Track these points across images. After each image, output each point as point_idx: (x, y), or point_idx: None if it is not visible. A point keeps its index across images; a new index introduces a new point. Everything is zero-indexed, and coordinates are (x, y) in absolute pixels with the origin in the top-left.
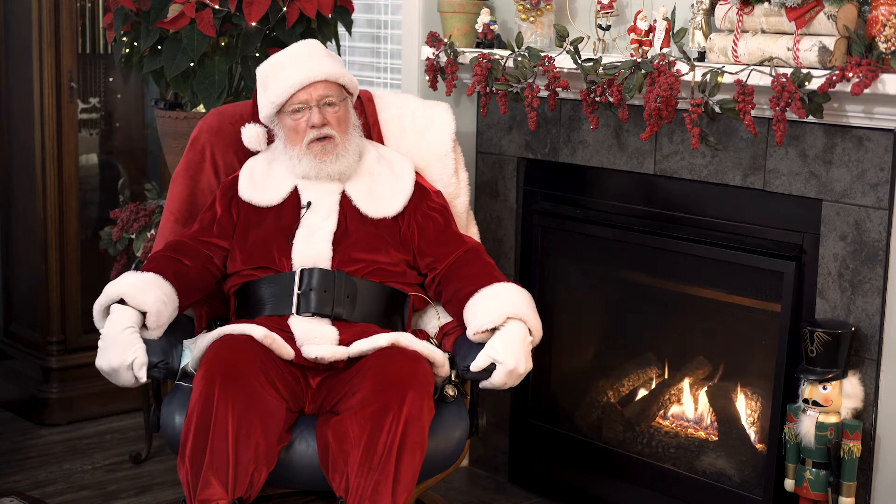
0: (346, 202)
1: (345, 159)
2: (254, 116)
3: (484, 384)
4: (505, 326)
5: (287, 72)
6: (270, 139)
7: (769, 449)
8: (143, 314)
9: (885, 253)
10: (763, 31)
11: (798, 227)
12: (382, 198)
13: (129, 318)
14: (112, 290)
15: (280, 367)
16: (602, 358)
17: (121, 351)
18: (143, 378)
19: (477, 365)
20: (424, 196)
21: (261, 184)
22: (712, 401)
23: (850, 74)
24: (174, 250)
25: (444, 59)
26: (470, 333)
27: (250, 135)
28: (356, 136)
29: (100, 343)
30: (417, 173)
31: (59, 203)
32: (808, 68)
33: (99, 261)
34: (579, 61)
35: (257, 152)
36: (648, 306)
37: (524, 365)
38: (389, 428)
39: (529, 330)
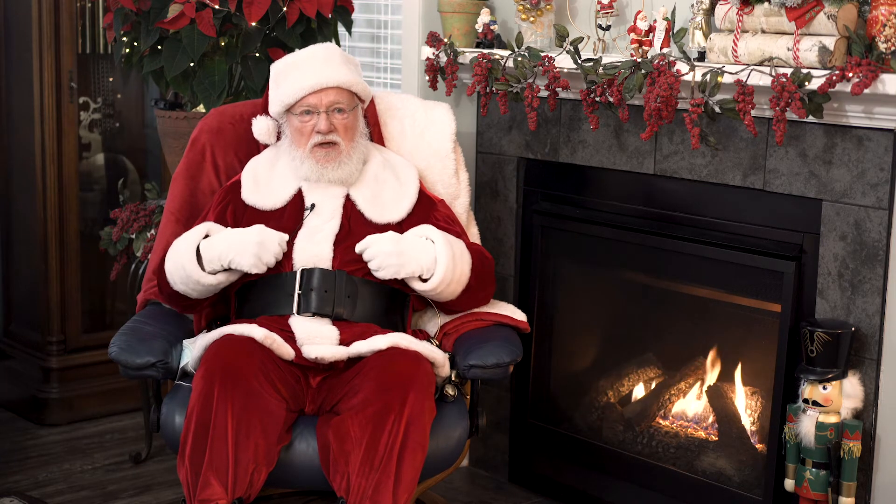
0: (349, 206)
1: (347, 167)
2: (265, 109)
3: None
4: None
5: (300, 73)
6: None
7: (769, 449)
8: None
9: (885, 253)
10: (763, 31)
11: (798, 227)
12: (387, 204)
13: None
14: (197, 230)
15: (280, 367)
16: (602, 358)
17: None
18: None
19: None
20: (430, 208)
21: (264, 186)
22: (712, 401)
23: (850, 74)
24: None
25: (444, 59)
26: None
27: (261, 127)
28: (361, 144)
29: (241, 243)
30: (420, 180)
31: (59, 203)
32: (808, 68)
33: (99, 261)
34: (579, 61)
35: (258, 151)
36: (648, 306)
37: (406, 247)
38: (391, 428)
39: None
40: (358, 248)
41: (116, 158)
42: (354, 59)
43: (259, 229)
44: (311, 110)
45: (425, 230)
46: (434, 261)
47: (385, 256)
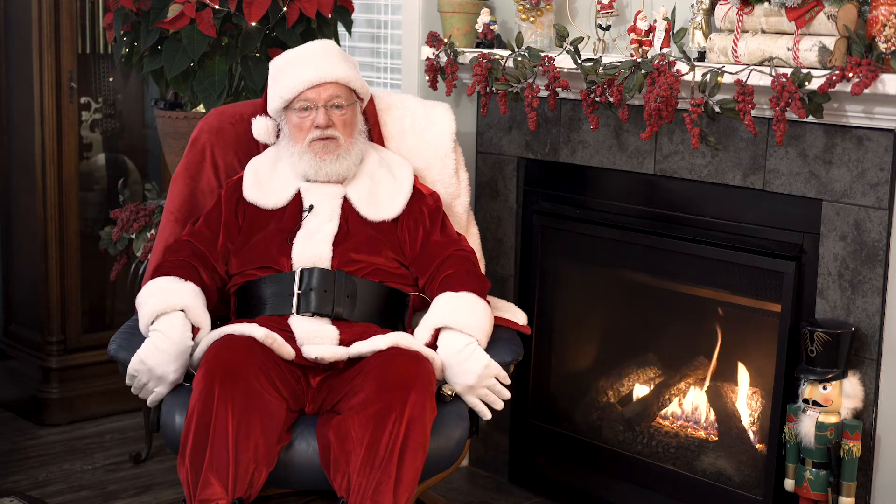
0: (347, 206)
1: (345, 161)
2: (264, 109)
3: (479, 414)
4: (438, 346)
5: (299, 68)
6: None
7: (769, 449)
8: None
9: (885, 253)
10: (763, 31)
11: (798, 227)
12: (382, 201)
13: (189, 329)
14: (174, 297)
15: (280, 367)
16: (602, 358)
17: (179, 367)
18: (153, 400)
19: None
20: (419, 200)
21: (265, 185)
22: (712, 401)
23: (850, 74)
24: (190, 254)
25: (444, 59)
26: None
27: (260, 127)
28: (360, 141)
29: (156, 340)
30: (416, 176)
31: (59, 203)
32: (808, 68)
33: (99, 261)
34: (579, 61)
35: (258, 151)
36: (648, 306)
37: (473, 373)
38: (392, 428)
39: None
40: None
41: (117, 158)
42: (352, 58)
43: (166, 389)
44: (309, 105)
45: (431, 324)
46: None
47: (479, 391)
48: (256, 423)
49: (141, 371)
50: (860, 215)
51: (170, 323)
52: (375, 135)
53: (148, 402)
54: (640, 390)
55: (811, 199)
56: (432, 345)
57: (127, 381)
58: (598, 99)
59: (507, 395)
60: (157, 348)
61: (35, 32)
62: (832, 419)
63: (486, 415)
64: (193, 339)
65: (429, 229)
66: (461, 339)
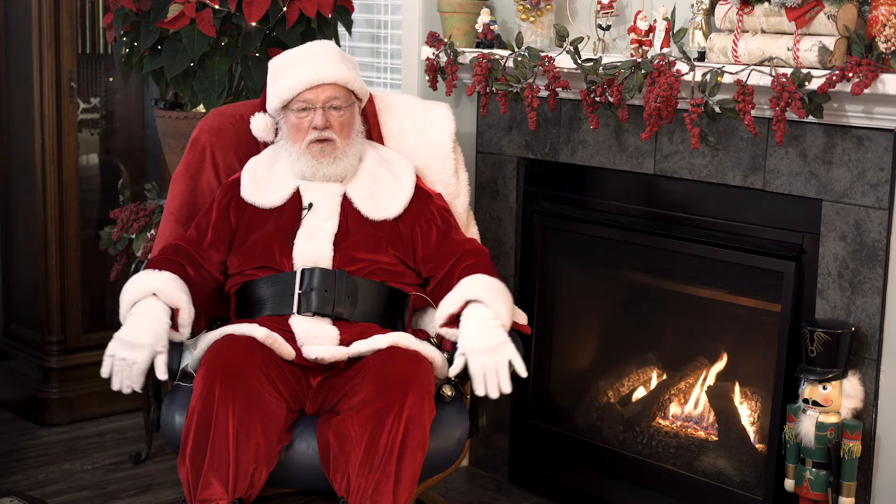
0: (347, 204)
1: (343, 162)
2: (263, 107)
3: (474, 385)
4: (463, 314)
5: (297, 69)
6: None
7: (769, 449)
8: (173, 311)
9: (885, 253)
10: (763, 31)
11: (798, 227)
12: (383, 200)
13: (165, 310)
14: (144, 284)
15: (280, 367)
16: (602, 358)
17: (153, 335)
18: (163, 375)
19: (454, 370)
20: (426, 200)
21: (263, 184)
22: (712, 401)
23: (850, 74)
24: (176, 252)
25: (444, 59)
26: (437, 328)
27: (259, 124)
28: (357, 142)
29: (130, 321)
30: (417, 175)
31: (59, 203)
32: (808, 68)
33: (99, 261)
34: (579, 61)
35: (257, 151)
36: (648, 306)
37: (490, 340)
38: (391, 428)
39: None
40: (453, 372)
41: (116, 159)
42: (352, 58)
43: (144, 355)
44: (307, 106)
45: (462, 295)
46: (492, 310)
47: (487, 360)
48: (257, 424)
49: (115, 347)
50: (860, 215)
51: (142, 305)
52: (375, 135)
53: (134, 384)
54: (640, 390)
55: (811, 199)
56: (457, 316)
57: (104, 371)
58: (598, 99)
59: (507, 387)
60: (131, 325)
61: (35, 32)
62: (832, 419)
63: (480, 390)
64: (174, 320)
65: (443, 229)
66: (491, 313)
